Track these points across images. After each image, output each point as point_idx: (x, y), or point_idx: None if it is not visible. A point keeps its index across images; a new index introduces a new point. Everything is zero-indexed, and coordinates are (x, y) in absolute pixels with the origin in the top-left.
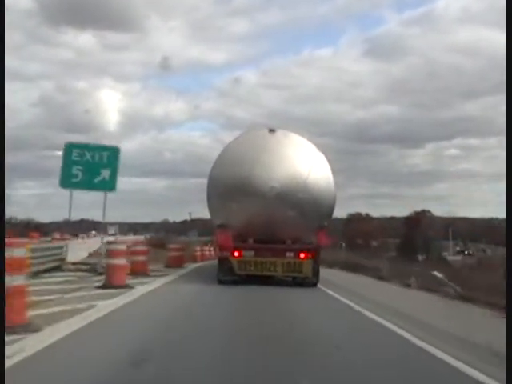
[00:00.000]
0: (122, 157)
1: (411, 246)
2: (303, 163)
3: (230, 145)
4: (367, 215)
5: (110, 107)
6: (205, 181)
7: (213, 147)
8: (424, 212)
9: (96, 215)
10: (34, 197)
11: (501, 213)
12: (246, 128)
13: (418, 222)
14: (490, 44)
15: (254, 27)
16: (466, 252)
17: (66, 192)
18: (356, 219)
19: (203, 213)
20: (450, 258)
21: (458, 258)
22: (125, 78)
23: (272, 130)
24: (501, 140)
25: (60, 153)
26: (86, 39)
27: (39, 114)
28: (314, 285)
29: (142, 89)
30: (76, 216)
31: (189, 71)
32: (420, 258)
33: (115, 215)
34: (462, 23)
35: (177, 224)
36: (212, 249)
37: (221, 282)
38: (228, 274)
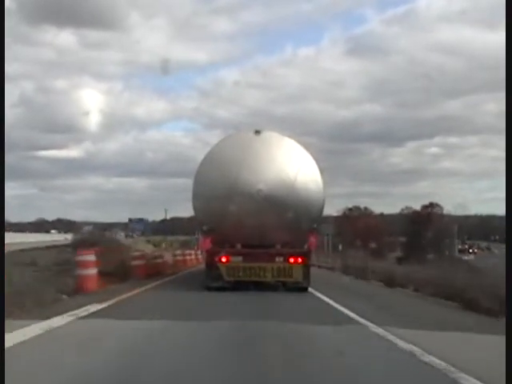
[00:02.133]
0: (104, 156)
1: (418, 244)
2: (291, 165)
3: (215, 147)
4: (366, 209)
5: (91, 107)
6: (186, 181)
7: (195, 147)
8: (432, 205)
9: (73, 215)
10: (16, 198)
11: (482, 210)
12: (228, 128)
13: (428, 217)
14: (472, 43)
15: (237, 26)
16: (471, 250)
17: (48, 193)
18: (354, 216)
19: (182, 212)
20: (466, 257)
21: (471, 257)
22: (106, 78)
23: (258, 132)
24: (480, 138)
25: (43, 153)
26: (65, 38)
27: (20, 115)
28: (305, 289)
29: (124, 88)
30: (53, 216)
31: (171, 70)
32: (428, 257)
33: (94, 215)
34: (443, 22)
35: (156, 223)
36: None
37: (209, 289)
38: (216, 281)
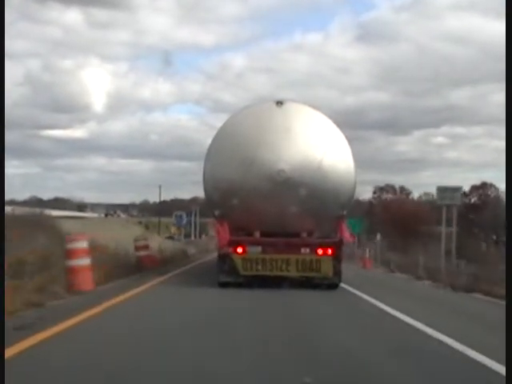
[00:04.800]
0: (109, 137)
1: (469, 233)
2: (318, 141)
3: (229, 121)
4: (403, 189)
5: (96, 87)
6: (190, 164)
7: (200, 130)
8: (486, 186)
9: (75, 195)
10: (19, 176)
11: None
12: (233, 112)
13: (480, 201)
14: (481, 32)
15: (245, 9)
16: None
17: (51, 173)
18: (386, 201)
19: (185, 194)
20: None
21: None
22: (112, 58)
23: (280, 103)
24: (486, 129)
25: (48, 132)
26: (72, 16)
27: (25, 94)
28: (335, 286)
29: (130, 69)
30: (50, 195)
31: (177, 52)
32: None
33: (96, 196)
34: (453, 10)
35: (156, 205)
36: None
37: (222, 285)
38: (230, 275)
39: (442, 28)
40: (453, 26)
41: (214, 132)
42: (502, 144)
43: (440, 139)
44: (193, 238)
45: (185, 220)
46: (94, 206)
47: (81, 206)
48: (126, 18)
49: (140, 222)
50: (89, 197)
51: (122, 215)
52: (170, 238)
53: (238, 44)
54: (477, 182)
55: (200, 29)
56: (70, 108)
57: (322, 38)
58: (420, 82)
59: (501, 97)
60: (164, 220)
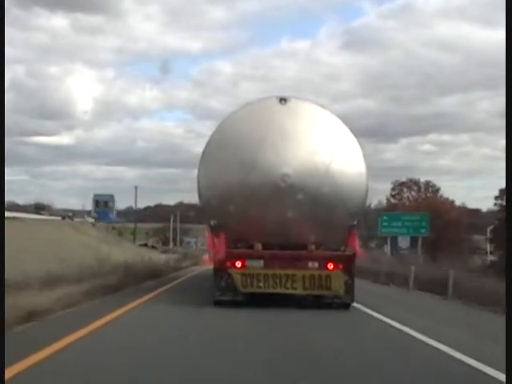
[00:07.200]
0: (95, 144)
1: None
2: (326, 143)
3: (227, 120)
4: (430, 185)
5: (83, 93)
6: (177, 171)
7: (187, 137)
8: None
9: (58, 201)
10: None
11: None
12: (221, 119)
13: None
14: (469, 39)
15: (233, 16)
16: None
17: (37, 180)
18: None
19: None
20: None
21: None
22: (98, 64)
23: (283, 100)
24: (473, 137)
25: (34, 139)
26: (58, 22)
27: (11, 100)
28: (348, 306)
29: (117, 76)
30: (30, 200)
31: (165, 59)
32: None
33: (80, 202)
34: (441, 17)
35: (140, 211)
36: None
37: (218, 304)
38: (227, 293)
39: (431, 35)
40: (441, 34)
41: (201, 139)
42: (489, 151)
43: (427, 147)
44: (171, 245)
45: (114, 212)
46: (76, 212)
47: (38, 208)
48: (113, 23)
49: (113, 228)
50: (74, 203)
51: (91, 219)
52: (147, 245)
53: (225, 50)
54: (464, 189)
55: (188, 35)
56: (57, 114)
57: (310, 45)
58: (408, 89)
59: (488, 104)
60: (145, 226)
